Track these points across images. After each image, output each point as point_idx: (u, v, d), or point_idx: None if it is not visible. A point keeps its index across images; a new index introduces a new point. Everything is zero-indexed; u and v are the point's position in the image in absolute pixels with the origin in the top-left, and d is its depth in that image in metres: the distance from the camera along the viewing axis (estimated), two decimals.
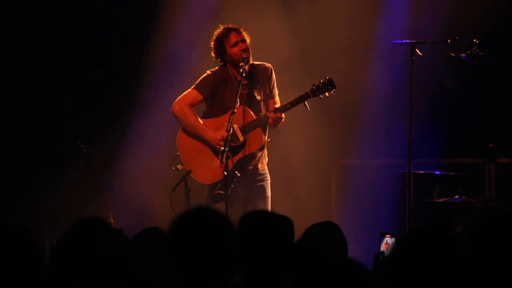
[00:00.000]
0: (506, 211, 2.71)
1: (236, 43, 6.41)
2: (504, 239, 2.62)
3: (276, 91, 6.58)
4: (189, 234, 2.58)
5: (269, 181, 6.55)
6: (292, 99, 6.34)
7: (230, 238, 2.60)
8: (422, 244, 2.43)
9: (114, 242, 2.45)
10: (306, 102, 6.34)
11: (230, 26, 6.50)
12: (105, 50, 8.45)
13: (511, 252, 2.60)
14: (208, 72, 6.55)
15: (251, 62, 6.47)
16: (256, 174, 6.50)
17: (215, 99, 6.50)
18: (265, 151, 6.58)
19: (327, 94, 6.37)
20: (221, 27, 6.51)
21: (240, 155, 6.38)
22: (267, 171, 6.57)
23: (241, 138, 6.37)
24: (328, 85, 6.36)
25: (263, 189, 6.50)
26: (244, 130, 6.37)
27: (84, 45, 8.42)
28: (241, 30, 6.48)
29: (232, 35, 6.43)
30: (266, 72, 6.52)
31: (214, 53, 6.51)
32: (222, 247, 2.57)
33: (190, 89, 6.55)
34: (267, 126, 6.48)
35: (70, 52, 8.41)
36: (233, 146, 6.33)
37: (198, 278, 2.51)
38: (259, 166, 6.52)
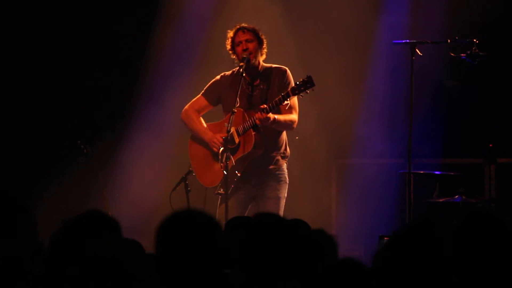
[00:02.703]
0: (486, 211, 2.72)
1: (240, 42, 6.44)
2: (485, 239, 2.63)
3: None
4: (174, 237, 2.57)
5: (283, 182, 6.54)
6: (276, 98, 6.31)
7: (216, 239, 2.59)
8: (407, 244, 2.47)
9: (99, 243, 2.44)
10: (288, 100, 6.29)
11: (242, 25, 6.50)
12: (106, 50, 8.45)
13: (493, 251, 2.61)
14: (217, 77, 6.62)
15: (268, 65, 6.50)
16: (266, 174, 6.50)
17: (223, 103, 6.56)
18: (286, 152, 6.57)
19: (307, 91, 6.32)
20: (237, 26, 6.54)
21: (235, 158, 6.41)
22: (282, 172, 6.56)
23: (237, 140, 6.40)
24: (308, 83, 6.30)
25: (272, 190, 6.51)
26: (239, 132, 6.40)
27: (84, 45, 8.42)
28: (255, 29, 6.46)
29: (239, 34, 6.47)
30: (280, 75, 6.50)
31: (228, 48, 6.55)
32: (209, 248, 2.56)
33: (199, 95, 6.67)
34: (283, 127, 6.48)
35: (70, 52, 8.41)
36: (230, 148, 6.37)
37: (187, 280, 2.51)
38: (271, 167, 6.52)
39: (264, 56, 6.53)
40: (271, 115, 6.26)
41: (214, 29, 8.28)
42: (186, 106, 6.69)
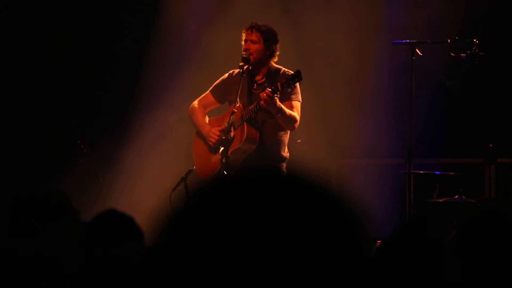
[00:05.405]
0: (499, 211, 2.69)
1: (245, 41, 6.45)
2: (497, 241, 2.62)
3: (295, 97, 6.47)
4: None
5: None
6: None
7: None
8: (401, 246, 2.45)
9: None
10: (277, 93, 6.23)
11: (254, 23, 6.46)
12: (107, 50, 8.46)
13: (504, 253, 2.60)
14: (226, 74, 6.62)
15: (279, 67, 6.49)
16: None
17: (229, 99, 6.56)
18: (286, 153, 6.56)
19: (294, 85, 6.25)
20: (251, 23, 6.52)
21: (229, 150, 6.43)
22: (281, 172, 6.55)
23: (232, 134, 6.42)
24: (296, 77, 6.23)
25: None
26: (234, 126, 6.39)
27: (85, 45, 8.43)
28: (267, 31, 6.44)
29: (247, 32, 6.46)
30: (285, 79, 6.47)
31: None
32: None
33: (207, 91, 6.71)
34: (284, 123, 6.45)
35: (71, 52, 8.42)
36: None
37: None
38: (270, 165, 6.50)
39: (275, 58, 6.50)
40: (276, 99, 6.16)
41: (215, 28, 8.29)
42: (194, 101, 6.73)
